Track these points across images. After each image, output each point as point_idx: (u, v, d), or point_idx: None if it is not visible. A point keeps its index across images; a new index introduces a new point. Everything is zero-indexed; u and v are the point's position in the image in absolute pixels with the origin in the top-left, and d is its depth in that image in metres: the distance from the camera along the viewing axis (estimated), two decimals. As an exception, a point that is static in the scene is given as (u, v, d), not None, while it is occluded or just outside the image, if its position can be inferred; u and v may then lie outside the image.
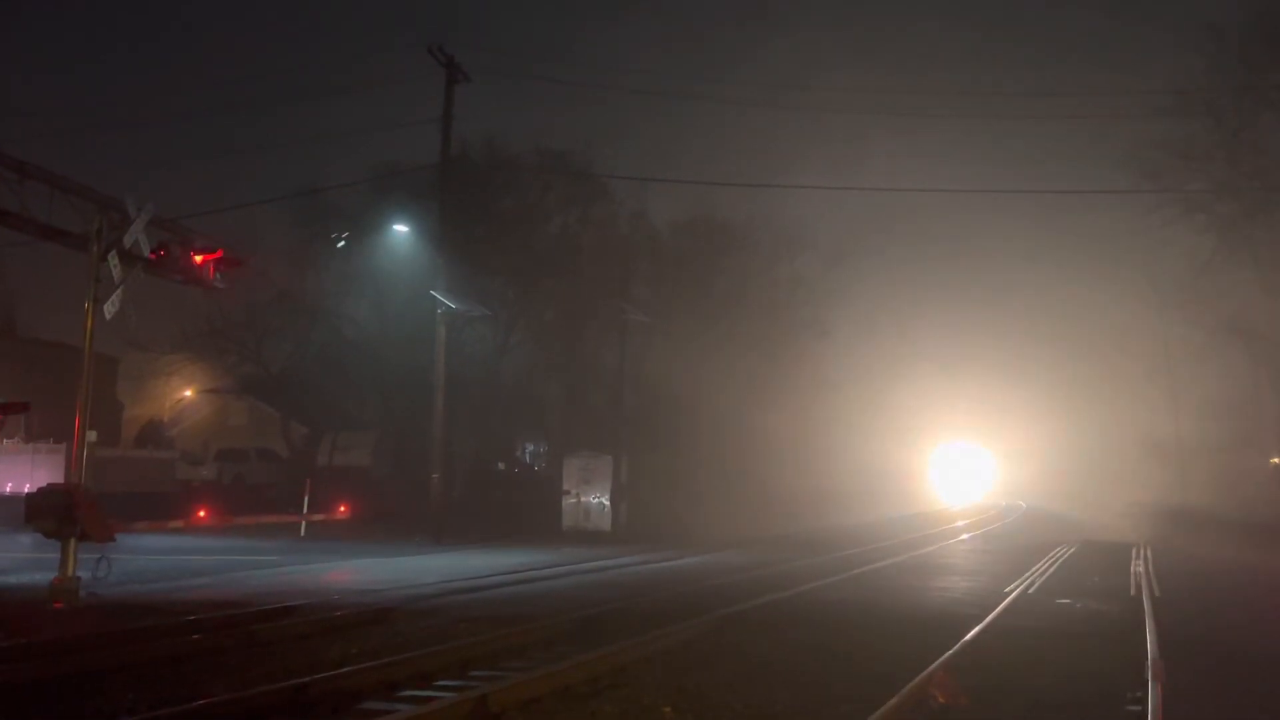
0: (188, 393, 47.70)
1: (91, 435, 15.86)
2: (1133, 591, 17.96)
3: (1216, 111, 34.28)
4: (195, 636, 11.44)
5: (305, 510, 28.79)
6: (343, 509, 32.60)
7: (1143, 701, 8.78)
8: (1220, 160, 34.93)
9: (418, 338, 30.48)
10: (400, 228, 31.46)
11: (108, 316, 15.09)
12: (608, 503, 32.64)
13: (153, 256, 15.61)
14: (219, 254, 16.69)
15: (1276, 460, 41.31)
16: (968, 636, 12.14)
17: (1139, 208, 36.07)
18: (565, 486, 33.36)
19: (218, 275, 16.77)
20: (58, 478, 23.09)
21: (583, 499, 32.88)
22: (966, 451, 72.11)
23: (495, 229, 34.65)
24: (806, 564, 22.13)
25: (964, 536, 34.91)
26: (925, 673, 9.78)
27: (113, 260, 15.00)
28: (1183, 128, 34.69)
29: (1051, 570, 22.09)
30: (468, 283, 29.85)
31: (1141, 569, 21.87)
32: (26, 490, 22.60)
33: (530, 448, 42.08)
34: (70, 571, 14.21)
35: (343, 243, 33.84)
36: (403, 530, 28.23)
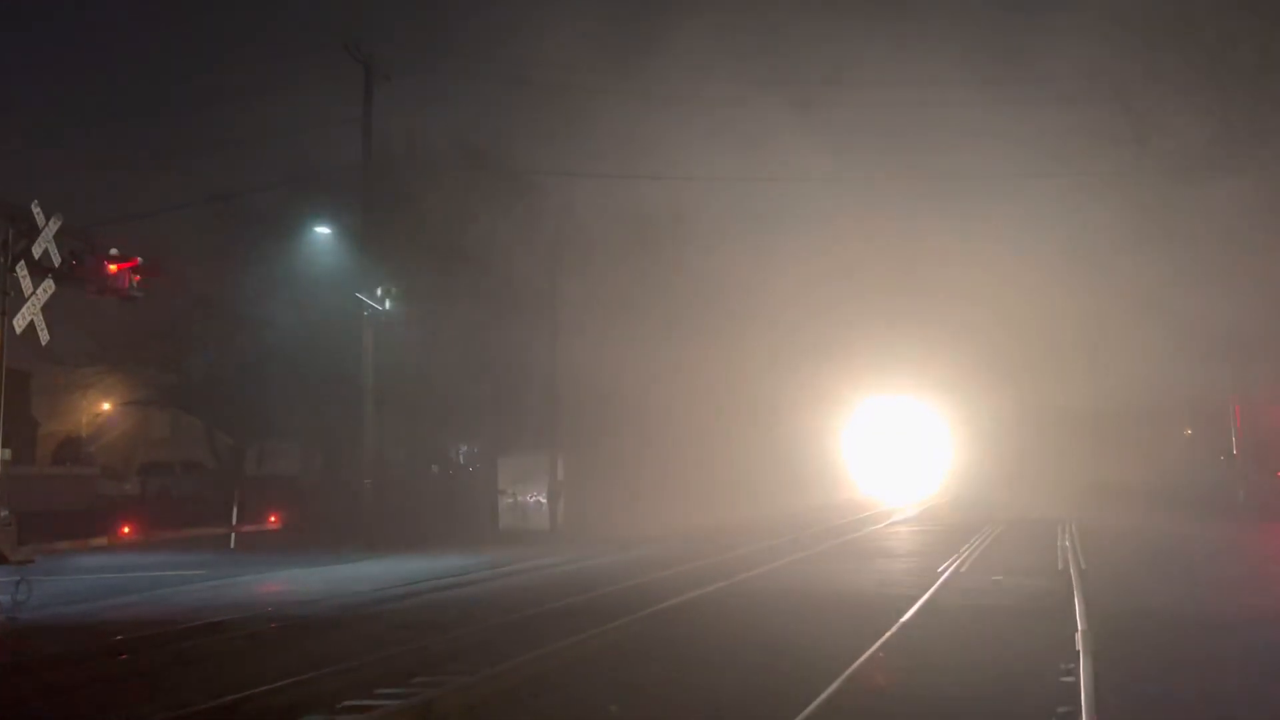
0: (106, 406, 46.34)
1: (5, 454, 15.31)
2: (1060, 566, 18.44)
3: (1124, 96, 35.28)
4: (124, 657, 11.11)
5: (235, 522, 28.17)
6: (273, 519, 31.97)
7: (1075, 672, 9.01)
8: (1129, 143, 35.97)
9: (343, 342, 29.98)
10: (322, 229, 30.91)
11: (18, 331, 14.57)
12: (545, 502, 32.50)
13: (64, 267, 15.10)
14: (134, 263, 16.20)
15: (1189, 431, 42.80)
16: (905, 617, 12.34)
17: (1054, 191, 36.89)
18: (501, 487, 33.11)
19: (133, 284, 16.28)
20: (-29, 499, 22.22)
21: (519, 499, 32.69)
22: (906, 418, 66.67)
23: (420, 228, 34.25)
24: (745, 553, 22.29)
25: (898, 516, 35.51)
26: (865, 655, 9.93)
27: (21, 272, 14.48)
28: (1092, 112, 35.64)
29: (982, 549, 22.58)
30: (394, 284, 29.44)
31: (1068, 544, 22.45)
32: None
33: (464, 449, 41.69)
34: (-12, 596, 13.71)
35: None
36: (336, 538, 27.76)
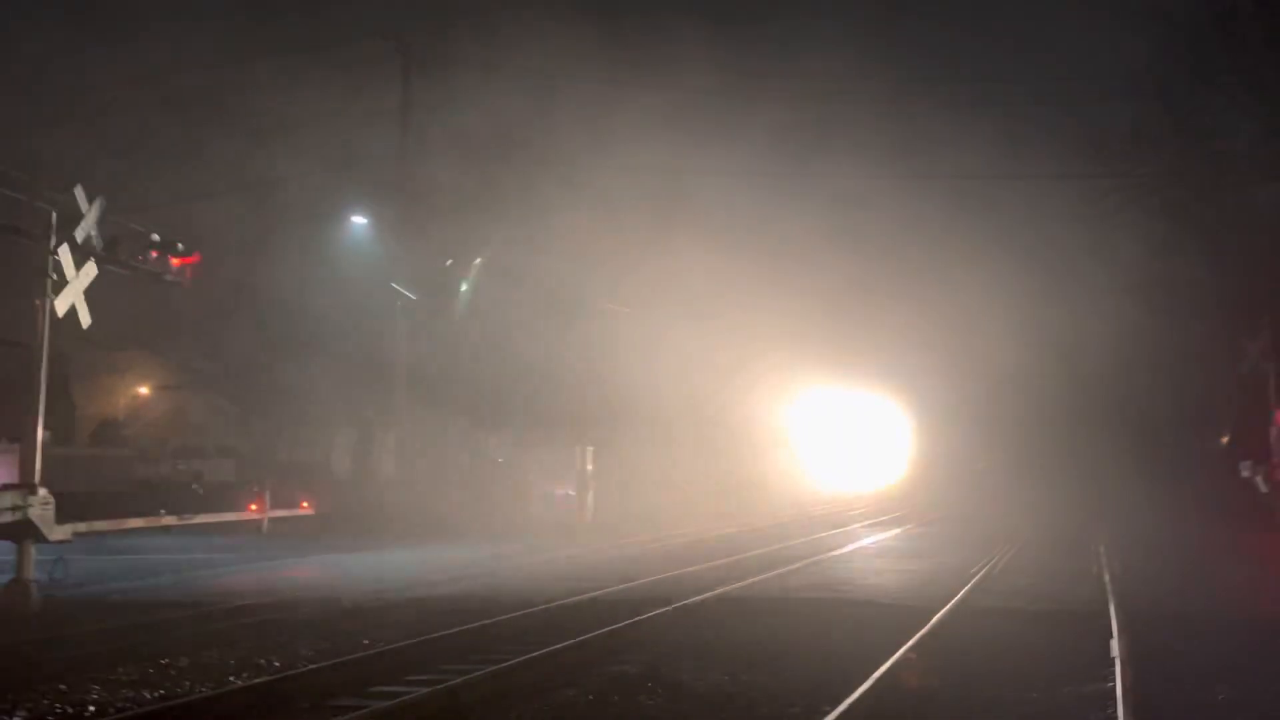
0: (143, 390, 46.91)
1: (45, 434, 15.49)
2: (1094, 570, 18.23)
3: (1166, 95, 34.72)
4: (158, 637, 11.23)
5: (267, 507, 28.41)
6: (305, 505, 32.26)
7: (1111, 678, 8.91)
8: (1170, 144, 35.39)
9: (379, 330, 30.22)
10: (359, 218, 31.14)
11: (59, 314, 14.73)
12: (573, 494, 32.55)
13: (106, 251, 15.25)
14: (175, 247, 16.35)
15: (1225, 439, 42.11)
16: (935, 618, 12.23)
17: (1091, 192, 36.42)
18: (531, 479, 33.18)
19: (174, 269, 16.43)
20: (11, 478, 22.53)
21: (549, 490, 32.74)
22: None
23: (455, 217, 34.39)
24: (774, 550, 22.22)
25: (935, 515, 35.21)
26: (896, 656, 9.85)
27: (64, 255, 14.64)
28: (1133, 111, 35.14)
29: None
30: (429, 273, 29.64)
31: (1101, 550, 22.18)
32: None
33: (496, 440, 41.89)
34: (26, 574, 13.89)
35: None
36: (368, 525, 27.97)
